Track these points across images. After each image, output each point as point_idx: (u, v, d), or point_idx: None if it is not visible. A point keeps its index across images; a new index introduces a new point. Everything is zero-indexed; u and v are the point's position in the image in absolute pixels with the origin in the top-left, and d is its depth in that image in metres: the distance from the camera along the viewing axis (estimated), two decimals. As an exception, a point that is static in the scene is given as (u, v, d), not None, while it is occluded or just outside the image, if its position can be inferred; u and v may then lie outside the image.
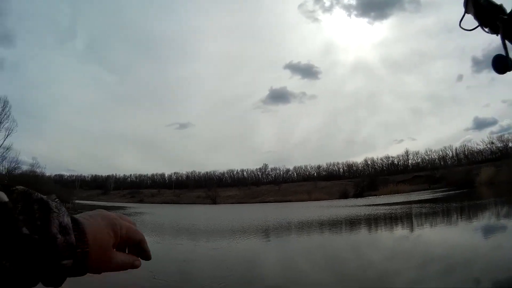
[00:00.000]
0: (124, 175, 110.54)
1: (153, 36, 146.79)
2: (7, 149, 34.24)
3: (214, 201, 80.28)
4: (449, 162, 79.36)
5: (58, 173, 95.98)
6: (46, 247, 0.43)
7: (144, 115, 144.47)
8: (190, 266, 9.24)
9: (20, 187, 0.45)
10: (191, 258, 10.28)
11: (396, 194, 53.80)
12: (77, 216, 0.52)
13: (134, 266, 0.57)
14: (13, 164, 36.21)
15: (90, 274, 0.53)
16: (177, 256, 10.58)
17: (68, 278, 0.47)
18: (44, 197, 0.46)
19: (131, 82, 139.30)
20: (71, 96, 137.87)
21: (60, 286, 0.48)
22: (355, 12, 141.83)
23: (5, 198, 0.41)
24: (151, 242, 11.81)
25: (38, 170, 43.55)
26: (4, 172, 34.55)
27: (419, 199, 32.68)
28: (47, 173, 55.85)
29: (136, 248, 0.58)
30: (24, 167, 40.49)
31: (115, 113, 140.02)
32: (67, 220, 0.46)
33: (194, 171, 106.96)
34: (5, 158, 34.59)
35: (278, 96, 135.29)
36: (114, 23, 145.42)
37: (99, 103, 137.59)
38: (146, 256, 0.59)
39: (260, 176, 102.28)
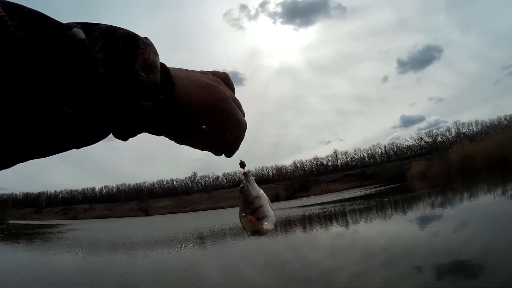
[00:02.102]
0: (55, 191, 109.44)
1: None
2: None
3: (146, 213, 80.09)
4: (378, 160, 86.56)
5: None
6: (125, 85, 0.38)
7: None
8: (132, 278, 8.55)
9: (103, 24, 0.40)
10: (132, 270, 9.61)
11: (329, 194, 56.74)
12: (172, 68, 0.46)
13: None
14: None
15: (165, 137, 0.49)
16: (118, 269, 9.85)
17: None
18: (131, 31, 0.41)
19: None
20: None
21: (128, 139, 0.45)
22: (280, 20, 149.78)
23: (81, 35, 0.37)
24: (80, 259, 10.63)
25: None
26: None
27: (352, 196, 34.63)
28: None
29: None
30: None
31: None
32: (153, 57, 0.41)
33: (124, 183, 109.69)
34: None
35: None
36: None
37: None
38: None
39: (190, 184, 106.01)
